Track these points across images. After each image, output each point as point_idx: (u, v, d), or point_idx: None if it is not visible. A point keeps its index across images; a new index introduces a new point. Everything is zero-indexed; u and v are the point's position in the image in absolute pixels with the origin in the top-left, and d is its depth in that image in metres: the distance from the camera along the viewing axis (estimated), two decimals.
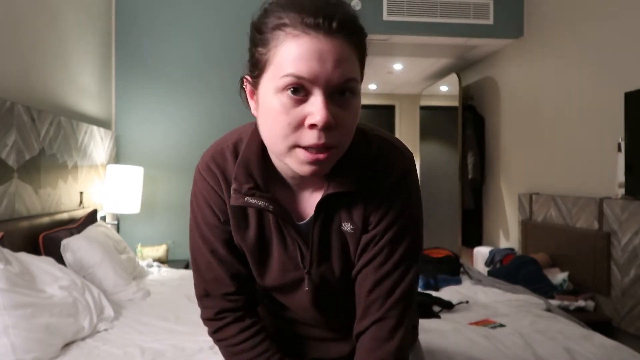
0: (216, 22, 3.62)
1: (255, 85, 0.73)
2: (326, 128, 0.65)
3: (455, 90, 4.57)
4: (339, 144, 0.69)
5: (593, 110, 3.04)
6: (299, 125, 0.66)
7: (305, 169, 0.68)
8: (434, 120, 5.58)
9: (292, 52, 0.64)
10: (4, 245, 1.69)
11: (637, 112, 2.55)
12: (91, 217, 2.57)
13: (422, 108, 5.74)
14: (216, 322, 0.87)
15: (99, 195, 3.09)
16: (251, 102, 0.77)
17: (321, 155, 0.67)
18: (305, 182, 0.80)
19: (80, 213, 2.66)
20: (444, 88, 5.26)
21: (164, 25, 3.58)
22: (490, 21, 3.82)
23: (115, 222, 3.31)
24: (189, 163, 3.54)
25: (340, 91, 0.67)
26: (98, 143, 3.10)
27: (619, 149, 2.68)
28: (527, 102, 3.84)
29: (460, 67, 5.02)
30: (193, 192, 0.85)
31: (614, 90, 2.81)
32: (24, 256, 1.71)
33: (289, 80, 0.64)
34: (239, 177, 0.77)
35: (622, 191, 2.65)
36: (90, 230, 2.37)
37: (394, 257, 0.79)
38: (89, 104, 3.11)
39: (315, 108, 0.64)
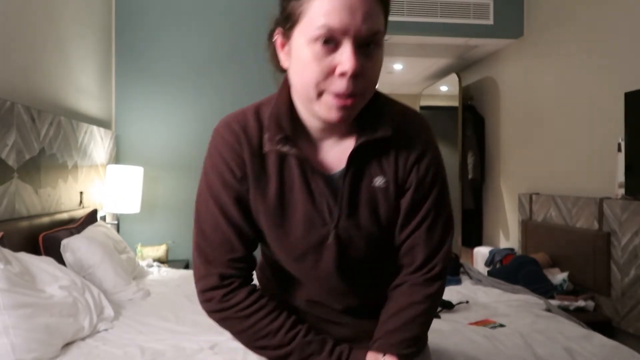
0: (216, 22, 3.62)
1: (287, 37, 0.77)
2: (354, 76, 0.70)
3: (455, 90, 4.57)
4: (363, 92, 0.74)
5: (593, 110, 3.04)
6: (329, 73, 0.71)
7: (333, 115, 0.74)
8: (434, 120, 5.54)
9: (325, 5, 0.69)
10: (4, 245, 1.69)
11: (637, 112, 2.55)
12: (91, 217, 2.57)
13: (422, 108, 5.74)
14: (223, 288, 0.83)
15: (99, 195, 3.09)
16: (280, 54, 0.81)
17: (348, 101, 0.72)
18: (330, 135, 0.83)
19: (80, 213, 2.66)
20: (444, 88, 5.26)
21: (164, 25, 3.58)
22: (490, 21, 3.82)
23: (115, 222, 3.31)
24: (189, 163, 3.54)
25: (367, 43, 0.71)
26: (98, 143, 3.10)
27: (619, 149, 2.68)
28: (527, 102, 3.84)
29: (460, 67, 5.02)
30: (208, 152, 0.86)
31: (614, 90, 2.81)
32: (24, 256, 1.71)
33: (321, 31, 0.69)
34: (271, 128, 0.80)
35: (622, 191, 2.65)
36: (90, 230, 2.37)
37: (432, 207, 0.85)
38: (89, 104, 3.11)
39: (345, 57, 0.70)
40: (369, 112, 0.80)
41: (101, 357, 1.53)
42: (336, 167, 0.82)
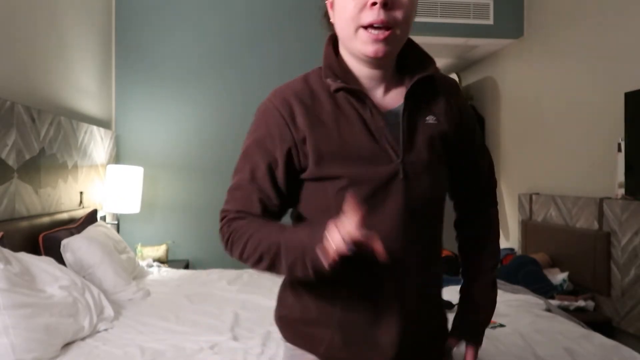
0: (216, 22, 3.62)
1: None
2: (384, 5, 0.78)
3: None
4: (397, 24, 0.80)
5: (593, 110, 3.04)
6: (363, 6, 0.79)
7: (370, 49, 0.80)
8: None
9: None
10: (4, 245, 1.69)
11: (637, 112, 2.55)
12: (91, 217, 2.57)
13: None
14: (236, 220, 0.86)
15: (99, 195, 3.09)
16: (330, 12, 0.89)
17: (381, 35, 0.79)
18: (379, 84, 0.88)
19: (80, 213, 2.66)
20: None
21: (164, 25, 3.58)
22: (490, 21, 3.82)
23: (115, 222, 3.31)
24: (189, 163, 3.54)
25: None
26: (98, 143, 3.10)
27: (619, 149, 2.68)
28: (527, 102, 3.83)
29: (460, 67, 5.02)
30: (254, 118, 0.90)
31: (614, 90, 2.81)
32: (24, 256, 1.71)
33: None
34: (329, 75, 0.86)
35: (622, 191, 2.65)
36: (90, 230, 2.37)
37: (482, 143, 1.01)
38: (89, 104, 3.11)
39: None
40: (411, 56, 0.88)
41: (101, 357, 1.54)
42: (390, 108, 0.87)
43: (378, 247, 0.70)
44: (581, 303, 2.73)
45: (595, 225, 2.81)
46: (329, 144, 0.83)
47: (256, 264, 0.82)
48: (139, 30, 3.55)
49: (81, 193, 2.79)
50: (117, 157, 3.51)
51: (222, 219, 0.88)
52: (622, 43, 2.80)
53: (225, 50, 3.63)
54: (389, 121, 0.85)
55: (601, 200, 2.77)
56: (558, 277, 2.98)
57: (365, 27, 0.80)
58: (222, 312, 2.04)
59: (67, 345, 1.60)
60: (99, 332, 1.75)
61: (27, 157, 2.16)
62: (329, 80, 0.85)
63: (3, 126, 1.96)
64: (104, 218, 3.18)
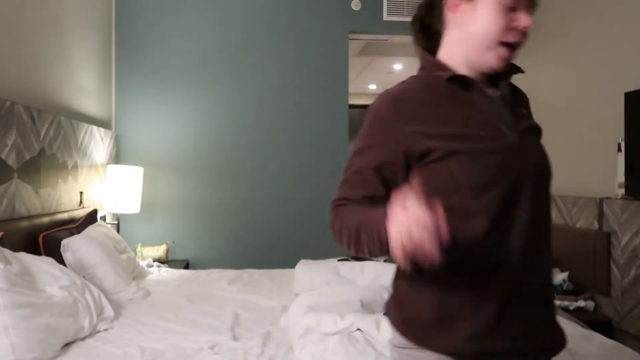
0: (216, 23, 3.62)
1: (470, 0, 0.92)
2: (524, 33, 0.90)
3: None
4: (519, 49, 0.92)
5: (593, 110, 3.04)
6: (508, 28, 0.89)
7: (500, 63, 0.90)
8: None
9: None
10: (4, 245, 1.69)
11: (637, 112, 2.55)
12: (91, 217, 2.57)
13: None
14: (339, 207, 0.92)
15: (99, 195, 3.09)
16: (448, 14, 0.94)
17: (512, 53, 0.91)
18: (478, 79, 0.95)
19: (80, 213, 2.66)
20: None
21: (164, 25, 3.58)
22: None
23: (115, 222, 3.31)
24: (189, 163, 3.54)
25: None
26: (98, 143, 3.10)
27: (619, 149, 2.68)
28: None
29: None
30: (372, 120, 0.92)
31: (614, 90, 2.81)
32: (24, 256, 1.71)
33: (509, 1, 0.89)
34: (437, 70, 0.94)
35: (622, 191, 2.65)
36: (90, 230, 2.37)
37: None
38: (89, 104, 3.11)
39: (525, 17, 0.89)
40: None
41: (101, 357, 1.54)
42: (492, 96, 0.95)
43: (442, 223, 0.71)
44: (581, 303, 2.73)
45: (595, 225, 2.81)
46: (450, 125, 0.88)
47: (347, 245, 0.87)
48: (139, 31, 3.55)
49: (81, 193, 2.79)
50: (117, 157, 3.51)
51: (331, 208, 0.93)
52: (622, 43, 2.80)
53: (225, 50, 3.63)
54: (493, 104, 0.92)
55: (601, 200, 2.77)
56: (558, 277, 2.98)
57: (505, 44, 0.89)
58: (222, 312, 2.04)
59: (67, 345, 1.60)
60: (99, 332, 1.75)
61: (27, 157, 2.16)
62: (438, 72, 0.93)
63: (3, 126, 1.96)
64: (104, 218, 3.18)
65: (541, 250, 0.90)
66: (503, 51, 0.90)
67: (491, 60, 0.90)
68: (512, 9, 0.89)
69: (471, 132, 0.86)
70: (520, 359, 0.88)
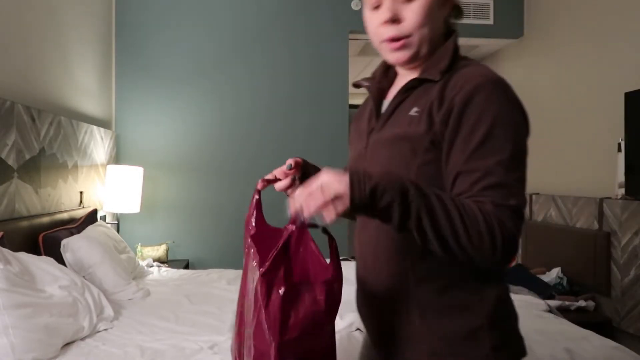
0: (216, 23, 3.62)
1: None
2: (392, 22, 0.86)
3: None
4: (410, 32, 0.87)
5: (593, 110, 3.04)
6: (379, 24, 0.89)
7: (391, 57, 0.91)
8: None
9: None
10: (4, 245, 1.69)
11: (637, 112, 2.55)
12: (91, 217, 2.57)
13: None
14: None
15: (99, 195, 3.09)
16: None
17: (398, 45, 0.88)
18: (410, 75, 0.95)
19: (80, 213, 2.66)
20: None
21: (164, 25, 3.58)
22: (490, 21, 3.82)
23: (115, 222, 3.31)
24: (189, 163, 3.54)
25: None
26: (98, 143, 3.10)
27: (619, 149, 2.68)
28: (527, 102, 3.80)
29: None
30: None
31: (614, 90, 2.81)
32: (24, 256, 1.71)
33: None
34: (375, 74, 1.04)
35: (622, 191, 2.65)
36: (90, 230, 2.37)
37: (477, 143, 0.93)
38: (89, 104, 3.11)
39: (383, 9, 0.88)
40: (433, 60, 0.92)
41: (101, 357, 1.53)
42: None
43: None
44: (581, 303, 2.73)
45: (595, 225, 2.81)
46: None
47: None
48: (139, 31, 3.55)
49: (81, 193, 2.79)
50: (117, 157, 3.51)
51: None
52: (622, 43, 2.80)
53: (225, 50, 3.62)
54: (380, 108, 0.97)
55: (601, 200, 2.77)
56: (552, 272, 2.98)
57: (388, 40, 0.89)
58: (222, 312, 2.04)
59: (67, 345, 1.60)
60: (98, 332, 1.75)
61: (27, 157, 2.16)
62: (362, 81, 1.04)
63: (3, 126, 1.96)
64: (104, 218, 3.18)
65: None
66: (386, 47, 0.90)
67: (385, 57, 0.93)
68: (376, 7, 0.90)
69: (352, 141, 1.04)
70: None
